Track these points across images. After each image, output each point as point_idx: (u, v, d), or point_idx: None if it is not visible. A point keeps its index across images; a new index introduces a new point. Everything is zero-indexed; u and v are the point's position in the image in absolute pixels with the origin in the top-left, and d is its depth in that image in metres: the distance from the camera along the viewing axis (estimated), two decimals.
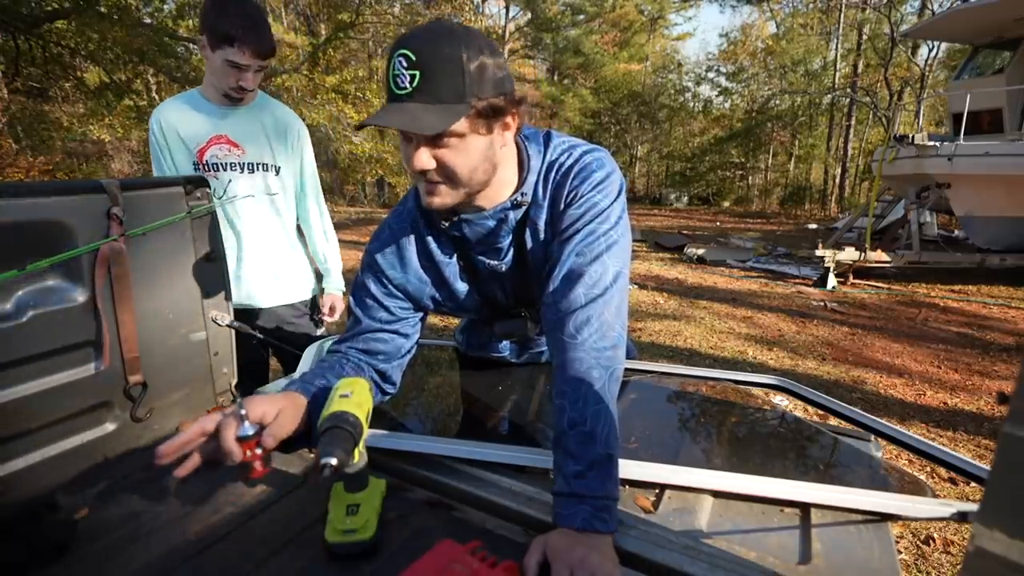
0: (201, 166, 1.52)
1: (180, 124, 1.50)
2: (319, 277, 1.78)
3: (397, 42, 0.73)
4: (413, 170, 0.77)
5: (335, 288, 1.75)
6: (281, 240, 1.65)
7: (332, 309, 1.75)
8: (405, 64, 0.71)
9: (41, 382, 0.91)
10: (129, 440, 1.06)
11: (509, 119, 0.79)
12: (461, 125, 0.74)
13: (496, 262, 0.92)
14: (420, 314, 0.99)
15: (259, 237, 1.61)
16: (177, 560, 0.76)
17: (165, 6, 8.90)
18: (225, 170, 1.53)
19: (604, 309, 0.81)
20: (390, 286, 0.93)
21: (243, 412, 0.72)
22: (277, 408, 0.75)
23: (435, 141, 0.75)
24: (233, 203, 1.54)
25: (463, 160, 0.77)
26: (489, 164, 0.80)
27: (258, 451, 0.72)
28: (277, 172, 1.61)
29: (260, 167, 1.57)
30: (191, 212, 1.08)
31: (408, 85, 0.72)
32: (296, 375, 1.18)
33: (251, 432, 0.72)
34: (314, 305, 1.77)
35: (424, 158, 0.75)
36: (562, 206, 0.86)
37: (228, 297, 1.20)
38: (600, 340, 0.80)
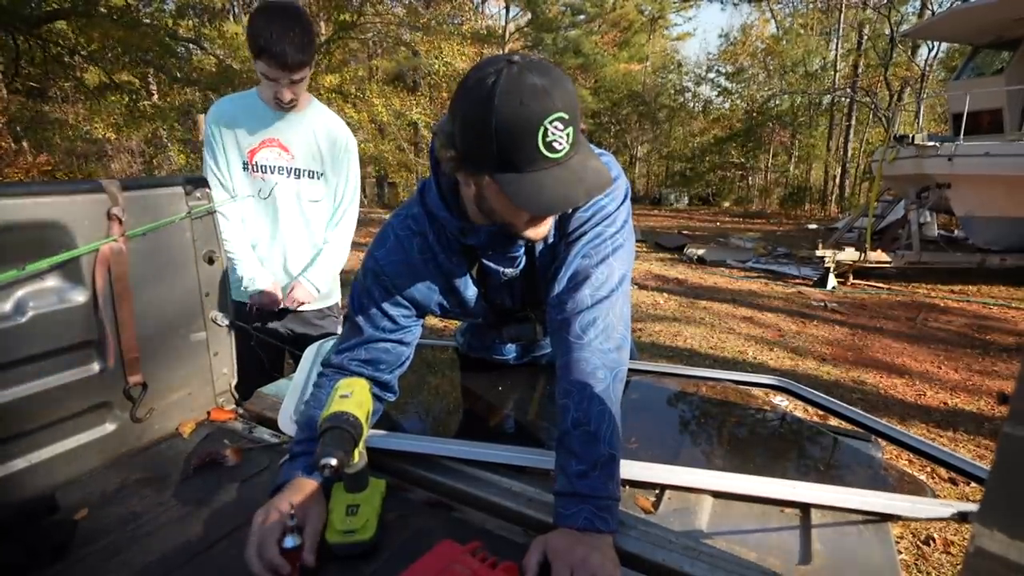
0: (251, 166, 1.55)
1: (235, 122, 1.53)
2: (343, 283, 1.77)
3: (531, 108, 0.65)
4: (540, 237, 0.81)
5: (311, 285, 1.66)
6: (319, 245, 1.67)
7: (293, 300, 1.64)
8: (562, 126, 0.67)
9: (41, 382, 0.91)
10: (129, 441, 1.06)
11: None
12: None
13: (511, 269, 0.92)
14: (421, 320, 0.98)
15: (302, 239, 1.64)
16: (177, 560, 0.76)
17: (165, 6, 8.91)
18: (273, 173, 1.56)
19: (609, 311, 0.81)
20: (396, 294, 0.91)
21: (293, 524, 0.71)
22: (304, 508, 0.75)
23: None
24: (275, 204, 1.57)
25: None
26: None
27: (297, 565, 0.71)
28: (321, 179, 1.62)
29: (306, 173, 1.60)
30: (191, 212, 1.08)
31: (567, 144, 0.68)
32: (296, 381, 1.18)
33: (296, 544, 0.70)
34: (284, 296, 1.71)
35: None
36: (569, 209, 0.85)
37: (228, 297, 1.20)
38: (605, 341, 0.80)
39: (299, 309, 1.68)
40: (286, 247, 1.64)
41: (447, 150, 0.73)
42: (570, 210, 0.85)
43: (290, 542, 0.70)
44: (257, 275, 1.58)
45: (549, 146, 0.67)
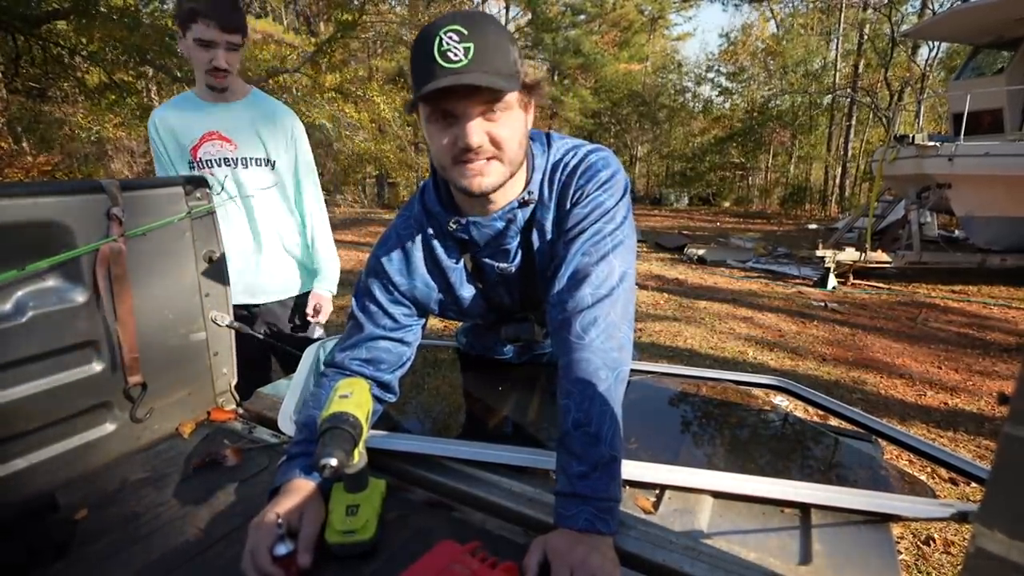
0: (196, 163, 1.53)
1: (175, 124, 1.51)
2: (311, 274, 1.73)
3: (436, 23, 0.73)
4: (464, 147, 0.76)
5: (324, 289, 1.69)
6: (274, 234, 1.64)
7: (317, 310, 1.67)
8: (457, 38, 0.71)
9: (41, 382, 0.91)
10: (129, 441, 1.06)
11: (532, 103, 0.82)
12: (515, 95, 0.76)
13: (505, 264, 0.92)
14: (422, 321, 0.98)
15: (242, 232, 1.60)
16: (177, 560, 0.76)
17: (164, 5, 8.90)
18: (220, 166, 1.54)
19: (611, 309, 0.81)
20: (396, 293, 0.92)
21: (281, 532, 0.70)
22: (298, 512, 0.75)
23: (487, 114, 0.75)
24: (226, 199, 1.54)
25: (513, 132, 0.78)
26: (525, 143, 0.82)
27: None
28: (272, 166, 1.59)
29: (253, 161, 1.57)
30: (191, 212, 1.08)
31: (463, 57, 0.71)
32: (296, 381, 1.18)
33: (288, 550, 0.70)
34: (298, 305, 1.72)
35: (478, 131, 0.75)
36: (568, 205, 0.85)
37: (228, 297, 1.20)
38: (607, 341, 0.79)
39: (266, 303, 1.66)
40: (249, 242, 1.60)
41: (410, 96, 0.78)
42: (568, 206, 0.85)
43: (282, 549, 0.70)
44: None
45: (444, 55, 0.71)
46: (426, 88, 0.71)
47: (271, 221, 1.63)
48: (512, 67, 0.75)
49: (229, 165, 1.54)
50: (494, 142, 0.76)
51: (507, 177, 0.81)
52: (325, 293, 1.69)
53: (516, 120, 0.78)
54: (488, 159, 0.77)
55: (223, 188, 1.53)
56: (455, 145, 0.76)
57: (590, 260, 0.82)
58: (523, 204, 0.85)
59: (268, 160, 1.59)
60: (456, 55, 0.71)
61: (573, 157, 0.86)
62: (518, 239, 0.90)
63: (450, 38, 0.71)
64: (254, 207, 1.59)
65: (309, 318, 1.66)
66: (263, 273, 1.64)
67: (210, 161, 1.53)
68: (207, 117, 1.52)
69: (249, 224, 1.60)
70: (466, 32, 0.71)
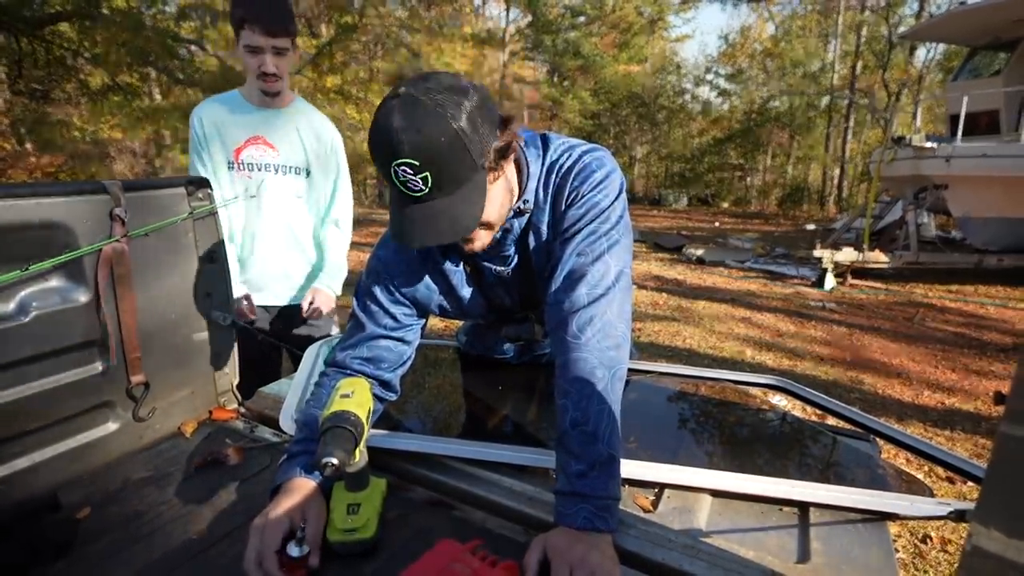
0: (236, 164, 1.55)
1: (220, 122, 1.53)
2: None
3: (381, 148, 0.69)
4: (467, 248, 0.83)
5: (324, 284, 1.69)
6: (301, 241, 1.67)
7: (312, 304, 1.65)
8: (411, 171, 0.68)
9: (44, 382, 0.91)
10: (131, 440, 1.06)
11: (511, 145, 0.78)
12: (488, 189, 0.75)
13: (502, 268, 0.93)
14: (423, 320, 0.99)
15: (283, 237, 1.63)
16: (179, 559, 0.76)
17: (167, 8, 8.90)
18: (260, 170, 1.56)
19: (607, 308, 0.81)
20: (397, 293, 0.93)
21: (301, 535, 0.70)
22: (300, 511, 0.75)
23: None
24: (260, 201, 1.56)
25: (497, 209, 0.79)
26: (511, 191, 0.83)
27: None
28: (308, 176, 1.63)
29: (292, 170, 1.60)
30: (193, 213, 1.08)
31: (424, 187, 0.70)
32: (298, 380, 1.18)
33: (302, 552, 0.70)
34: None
35: (479, 238, 0.81)
36: (563, 207, 0.86)
37: (230, 297, 1.20)
38: (603, 340, 0.80)
39: (287, 304, 1.66)
40: (272, 245, 1.63)
41: None
42: (563, 207, 0.86)
43: (296, 551, 0.70)
44: None
45: (404, 185, 0.70)
46: (401, 239, 0.74)
47: (300, 228, 1.66)
48: (473, 162, 0.71)
49: (269, 171, 1.57)
50: (485, 226, 0.80)
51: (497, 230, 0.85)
52: (328, 291, 1.69)
53: (496, 195, 0.78)
54: (479, 236, 0.82)
55: (258, 192, 1.55)
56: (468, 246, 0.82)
57: (586, 260, 0.83)
58: (519, 213, 0.86)
59: (307, 169, 1.62)
60: (416, 187, 0.70)
61: (568, 159, 0.87)
62: (515, 244, 0.90)
63: (406, 171, 0.68)
64: (288, 213, 1.62)
65: (304, 313, 1.65)
66: (285, 277, 1.67)
67: (252, 165, 1.55)
68: (254, 120, 1.55)
69: (282, 229, 1.63)
70: (418, 162, 0.68)
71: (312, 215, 1.68)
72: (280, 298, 1.68)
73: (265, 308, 1.67)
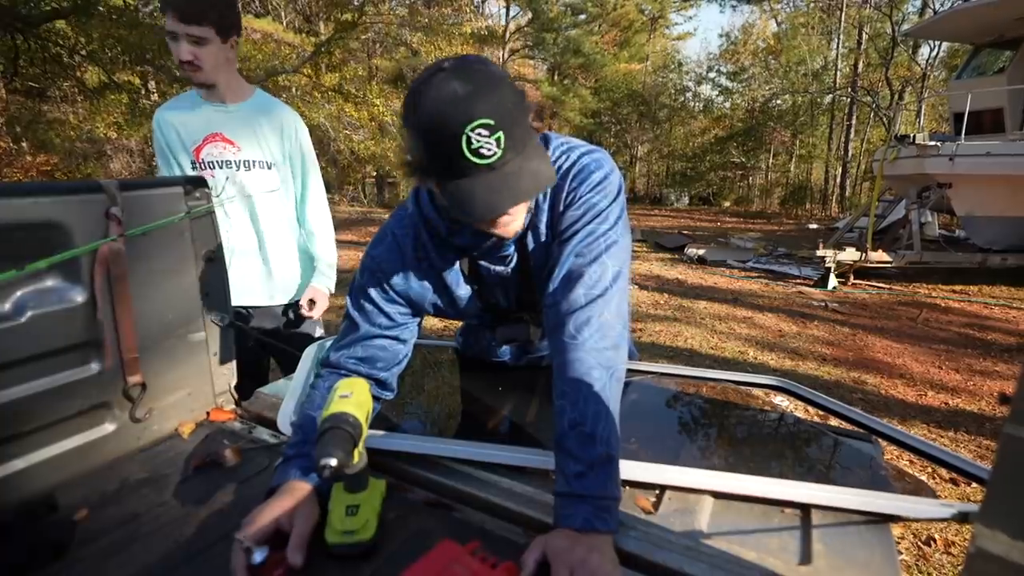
0: (198, 164, 1.52)
1: (178, 124, 1.51)
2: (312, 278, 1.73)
3: (450, 117, 0.66)
4: (504, 234, 0.80)
5: (322, 284, 1.68)
6: (277, 237, 1.63)
7: (312, 304, 1.66)
8: (487, 133, 0.67)
9: (40, 383, 0.91)
10: (128, 441, 1.06)
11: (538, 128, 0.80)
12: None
13: (501, 268, 0.92)
14: (418, 319, 0.98)
15: (246, 235, 1.60)
16: (176, 560, 0.76)
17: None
18: (221, 168, 1.53)
19: (604, 309, 0.81)
20: (391, 292, 0.92)
21: (245, 545, 0.70)
22: (289, 513, 0.74)
23: None
24: (224, 198, 1.53)
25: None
26: None
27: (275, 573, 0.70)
28: (273, 168, 1.59)
29: (256, 164, 1.57)
30: (190, 212, 1.08)
31: (497, 149, 0.68)
32: (296, 381, 1.18)
33: (263, 557, 0.70)
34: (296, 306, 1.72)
35: (517, 218, 0.79)
36: (561, 208, 0.85)
37: (227, 297, 1.20)
38: (601, 340, 0.79)
39: (269, 305, 1.65)
40: (242, 244, 1.59)
41: (405, 155, 0.76)
42: (561, 207, 0.85)
43: (257, 557, 0.69)
44: None
45: (476, 152, 0.68)
46: (485, 212, 0.70)
47: (274, 224, 1.63)
48: (529, 124, 0.72)
49: (231, 167, 1.54)
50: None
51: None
52: (323, 288, 1.68)
53: None
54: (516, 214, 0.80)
55: (223, 190, 1.52)
56: (494, 225, 0.78)
57: (583, 261, 0.83)
58: None
59: (270, 163, 1.59)
60: (490, 149, 0.68)
61: (566, 160, 0.86)
62: (514, 244, 0.90)
63: (481, 134, 0.67)
64: (258, 210, 1.59)
65: (304, 312, 1.64)
66: (265, 276, 1.64)
67: (212, 163, 1.53)
68: (211, 118, 1.52)
69: (253, 226, 1.60)
70: (493, 121, 0.67)
71: (287, 208, 1.65)
72: (259, 298, 1.65)
73: (249, 309, 1.64)
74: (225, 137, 1.53)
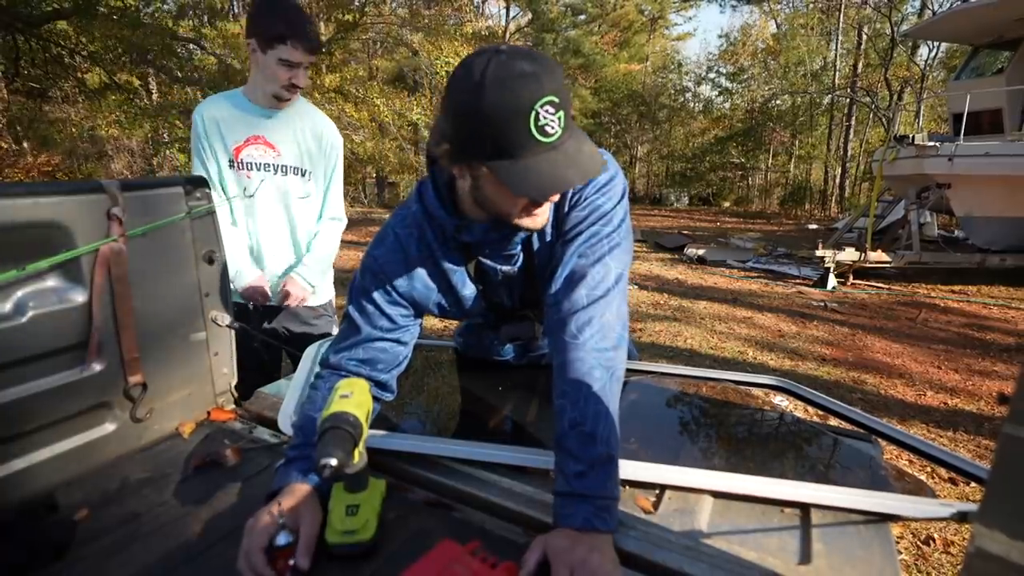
0: (236, 163, 1.55)
1: (222, 120, 1.53)
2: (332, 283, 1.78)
3: (520, 93, 0.66)
4: (532, 228, 0.81)
5: (302, 278, 1.64)
6: (300, 242, 1.67)
7: (287, 295, 1.60)
8: (553, 110, 0.67)
9: (41, 382, 0.91)
10: (129, 441, 1.06)
11: None
12: None
13: (508, 267, 0.92)
14: (419, 320, 0.98)
15: (281, 237, 1.63)
16: (177, 560, 0.76)
17: (165, 6, 8.91)
18: (259, 170, 1.56)
19: (606, 310, 0.81)
20: (394, 294, 0.91)
21: (282, 521, 0.71)
22: (296, 512, 0.75)
23: None
24: (257, 200, 1.56)
25: None
26: None
27: (290, 562, 0.70)
28: (308, 176, 1.63)
29: (292, 170, 1.60)
30: (191, 212, 1.08)
31: (559, 128, 0.69)
32: (297, 380, 1.18)
33: (288, 540, 0.70)
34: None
35: (545, 209, 0.79)
36: (567, 208, 0.86)
37: (228, 297, 1.20)
38: (601, 341, 0.80)
39: (294, 308, 1.66)
40: (267, 245, 1.62)
41: (441, 145, 0.75)
42: (566, 208, 0.85)
43: (283, 539, 0.70)
44: (243, 269, 1.57)
45: (541, 130, 0.68)
46: (556, 186, 0.70)
47: (306, 229, 1.66)
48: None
49: (269, 171, 1.57)
50: None
51: None
52: (305, 284, 1.64)
53: None
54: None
55: (256, 191, 1.55)
56: (529, 215, 0.78)
57: (586, 262, 0.83)
58: None
59: (306, 170, 1.62)
60: (553, 127, 0.68)
61: None
62: (520, 243, 0.90)
63: (548, 111, 0.67)
64: (293, 214, 1.62)
65: (283, 302, 1.62)
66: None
67: (251, 164, 1.56)
68: (255, 120, 1.55)
69: (288, 230, 1.64)
70: (558, 99, 0.68)
71: (314, 214, 1.68)
72: (278, 298, 1.67)
73: (272, 308, 1.66)
74: (267, 140, 1.56)
